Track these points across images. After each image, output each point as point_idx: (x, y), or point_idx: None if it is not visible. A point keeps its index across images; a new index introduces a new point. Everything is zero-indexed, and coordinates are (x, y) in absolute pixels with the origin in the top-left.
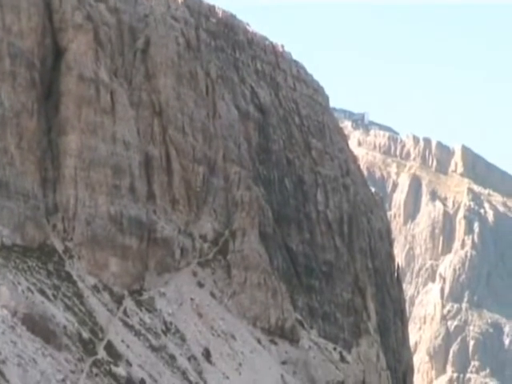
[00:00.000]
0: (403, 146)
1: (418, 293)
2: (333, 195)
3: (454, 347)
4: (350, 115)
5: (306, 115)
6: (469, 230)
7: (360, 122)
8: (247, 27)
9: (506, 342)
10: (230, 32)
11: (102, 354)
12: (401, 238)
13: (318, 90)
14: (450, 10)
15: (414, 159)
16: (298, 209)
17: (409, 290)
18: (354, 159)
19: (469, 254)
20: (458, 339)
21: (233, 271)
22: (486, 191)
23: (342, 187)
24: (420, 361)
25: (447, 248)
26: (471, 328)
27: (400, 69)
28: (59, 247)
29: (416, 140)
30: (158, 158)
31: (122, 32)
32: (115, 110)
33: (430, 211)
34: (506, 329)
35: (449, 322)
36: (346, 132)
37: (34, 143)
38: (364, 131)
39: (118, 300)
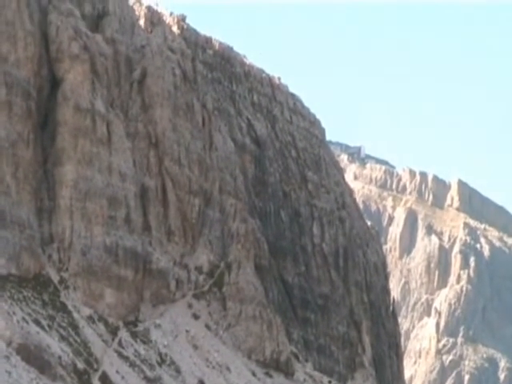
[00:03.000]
0: (399, 180)
1: (414, 327)
2: (329, 228)
3: (449, 382)
4: (346, 148)
5: (303, 148)
6: (464, 264)
7: (356, 155)
8: (244, 59)
9: (502, 376)
10: (226, 64)
11: None
12: (396, 272)
13: (314, 123)
14: (444, 47)
15: (410, 193)
16: (294, 241)
17: (404, 323)
18: (350, 192)
19: (464, 289)
20: (453, 373)
21: (228, 303)
22: (482, 226)
23: (338, 220)
24: None
25: (443, 282)
26: (466, 362)
27: (397, 103)
28: (55, 277)
29: (412, 174)
30: (154, 190)
31: (118, 63)
32: (111, 140)
33: (425, 245)
34: (502, 363)
35: (444, 357)
36: (342, 165)
37: (30, 173)
38: (360, 165)
39: (113, 331)
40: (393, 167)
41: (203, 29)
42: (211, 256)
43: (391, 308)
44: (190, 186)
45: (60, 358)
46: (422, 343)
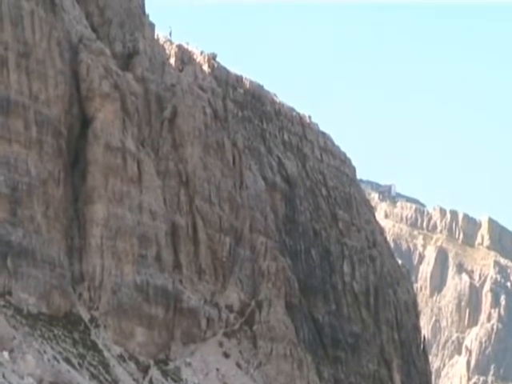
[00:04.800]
0: (430, 219)
1: (444, 365)
2: (359, 266)
3: None
4: (376, 187)
5: (333, 186)
6: (495, 302)
7: (387, 193)
8: (274, 98)
9: None
10: (257, 102)
11: None
12: (427, 310)
13: (344, 161)
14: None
15: (441, 231)
16: (325, 280)
17: (435, 362)
18: (381, 231)
19: (495, 327)
20: None
21: (259, 342)
22: None
23: (369, 259)
24: None
25: (473, 321)
26: None
27: (427, 141)
28: (85, 316)
29: (443, 212)
30: (185, 228)
31: (149, 101)
32: (142, 179)
33: (456, 284)
34: None
35: None
36: (372, 204)
37: (61, 212)
38: (391, 203)
39: (144, 369)
40: (423, 206)
41: (234, 67)
42: (242, 294)
43: (422, 346)
44: (220, 224)
45: None
46: (452, 381)
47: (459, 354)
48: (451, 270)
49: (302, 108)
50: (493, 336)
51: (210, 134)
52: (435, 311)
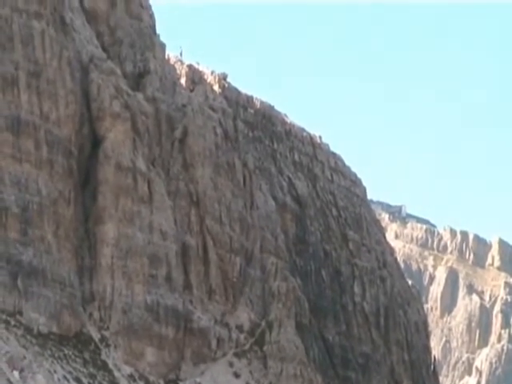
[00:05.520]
0: (440, 239)
1: None
2: (370, 287)
3: None
4: (387, 207)
5: (344, 207)
6: (505, 323)
7: (397, 214)
8: (285, 118)
9: None
10: (267, 123)
11: None
12: (437, 331)
13: (355, 181)
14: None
15: (451, 252)
16: (335, 300)
17: (445, 382)
18: (391, 251)
19: (505, 348)
20: None
21: (269, 362)
22: None
23: (379, 279)
24: None
25: (484, 341)
26: None
27: (437, 162)
28: (95, 336)
29: (453, 233)
30: (195, 248)
31: (159, 121)
32: (152, 199)
33: (466, 304)
34: None
35: None
36: (383, 224)
37: (71, 231)
38: (401, 224)
39: None
40: (434, 226)
41: (244, 87)
42: (252, 315)
43: (432, 367)
44: (231, 244)
45: None
46: None
47: (469, 374)
48: (461, 291)
49: (313, 127)
50: (503, 357)
51: (220, 155)
52: (445, 332)
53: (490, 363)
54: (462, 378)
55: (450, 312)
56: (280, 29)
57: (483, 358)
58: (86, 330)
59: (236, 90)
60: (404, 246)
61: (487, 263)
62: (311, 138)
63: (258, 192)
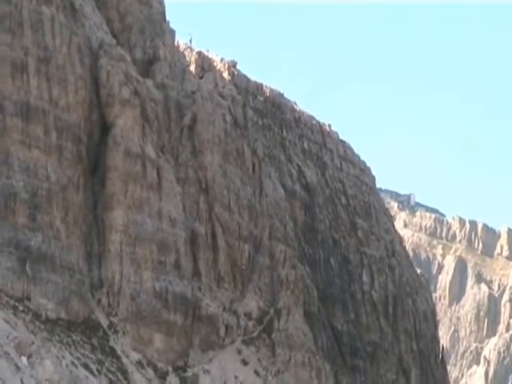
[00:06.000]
0: (449, 228)
1: (463, 375)
2: (378, 276)
3: None
4: (396, 196)
5: (353, 195)
6: None
7: (406, 203)
8: (294, 106)
9: None
10: (277, 111)
11: None
12: (446, 320)
13: (364, 170)
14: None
15: (460, 241)
16: (343, 289)
17: (453, 372)
18: (400, 240)
19: None
20: None
21: (277, 350)
22: None
23: (388, 268)
24: None
25: (492, 331)
26: None
27: (447, 151)
28: (104, 322)
29: (462, 222)
30: (204, 235)
31: (168, 108)
32: (161, 186)
33: (475, 294)
34: None
35: None
36: (392, 213)
37: (80, 218)
38: (410, 212)
39: (162, 376)
40: (443, 215)
41: (254, 74)
42: (260, 302)
43: (440, 356)
44: (239, 232)
45: None
46: None
47: (478, 364)
48: (470, 280)
49: (322, 116)
50: (511, 346)
51: (229, 142)
52: (454, 321)
53: (499, 353)
54: (470, 367)
55: (458, 301)
56: (291, 23)
57: (491, 348)
58: (95, 316)
59: (245, 77)
60: (413, 235)
61: (496, 252)
62: (320, 126)
63: (267, 180)
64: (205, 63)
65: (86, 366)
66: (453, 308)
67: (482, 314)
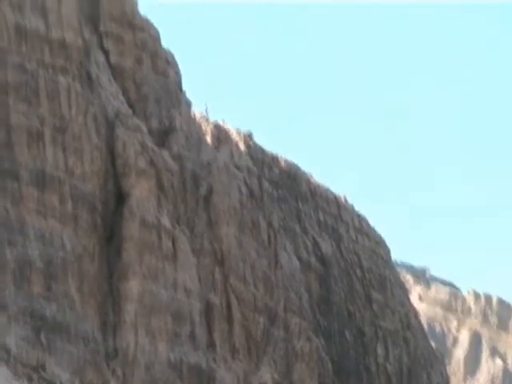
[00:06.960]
0: (464, 302)
1: None
2: (393, 348)
3: None
4: (411, 269)
5: (368, 268)
6: None
7: (421, 276)
8: (310, 178)
9: None
10: (292, 182)
11: None
12: None
13: (379, 243)
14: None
15: (475, 315)
16: (358, 361)
17: None
18: (415, 313)
19: None
20: None
21: None
22: None
23: (403, 341)
24: None
25: None
26: None
27: (462, 223)
28: None
29: (477, 296)
30: (219, 306)
31: (184, 179)
32: (177, 256)
33: (489, 367)
34: None
35: None
36: (407, 286)
37: (95, 287)
38: (425, 286)
39: None
40: (457, 289)
41: (269, 145)
42: (275, 374)
43: None
44: (255, 303)
45: None
46: None
47: None
48: (485, 354)
49: (337, 188)
50: None
51: (245, 213)
52: None
53: None
54: None
55: (472, 375)
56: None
57: None
58: None
59: (261, 149)
60: (428, 308)
61: (511, 326)
62: (336, 199)
63: (283, 251)
64: (221, 134)
65: None
66: (467, 382)
67: None
